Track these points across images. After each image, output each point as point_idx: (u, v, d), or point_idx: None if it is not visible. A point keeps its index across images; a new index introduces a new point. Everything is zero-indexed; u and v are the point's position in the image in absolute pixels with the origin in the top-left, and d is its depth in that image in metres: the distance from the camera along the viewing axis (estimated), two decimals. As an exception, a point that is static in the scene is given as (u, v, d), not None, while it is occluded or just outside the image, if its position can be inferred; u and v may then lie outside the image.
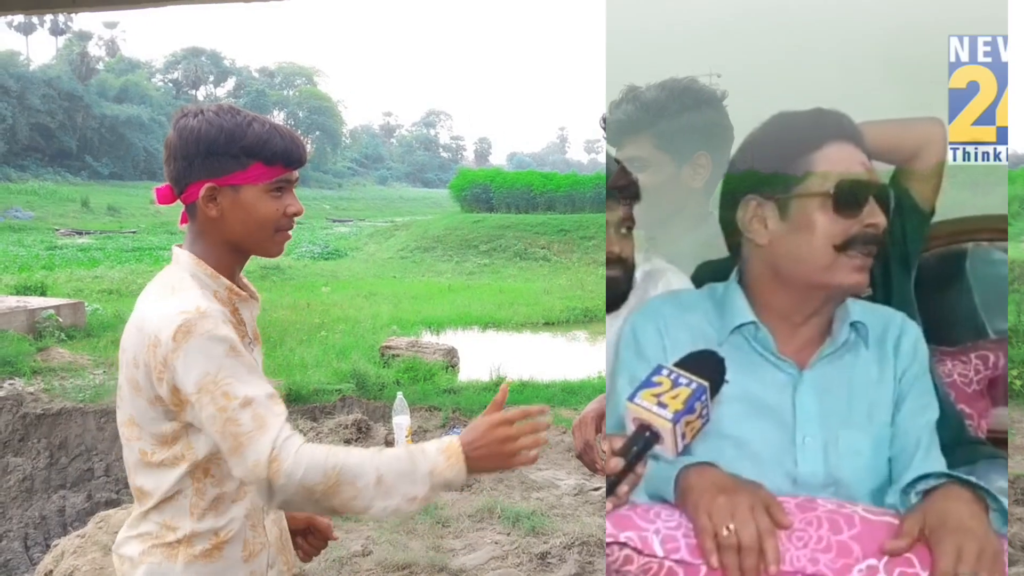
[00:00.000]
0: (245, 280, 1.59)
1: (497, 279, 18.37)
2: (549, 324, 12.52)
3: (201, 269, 1.46)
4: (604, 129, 1.68)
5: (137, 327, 1.42)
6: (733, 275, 1.72)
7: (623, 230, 1.71)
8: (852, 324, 1.68)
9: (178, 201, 1.51)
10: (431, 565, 3.64)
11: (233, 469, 1.35)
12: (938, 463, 1.65)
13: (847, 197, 1.59)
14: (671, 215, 1.68)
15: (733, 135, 1.63)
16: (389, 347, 8.49)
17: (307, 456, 1.31)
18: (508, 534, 4.05)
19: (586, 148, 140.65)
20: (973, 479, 1.57)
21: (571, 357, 9.85)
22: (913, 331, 1.71)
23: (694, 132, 1.59)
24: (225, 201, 1.45)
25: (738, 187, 1.67)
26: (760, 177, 1.64)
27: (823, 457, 1.67)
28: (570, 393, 6.94)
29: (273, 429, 1.32)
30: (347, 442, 5.51)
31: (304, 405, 6.51)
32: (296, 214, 1.51)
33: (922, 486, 1.60)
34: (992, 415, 1.92)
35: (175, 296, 1.40)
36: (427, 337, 10.82)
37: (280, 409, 1.37)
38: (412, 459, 1.37)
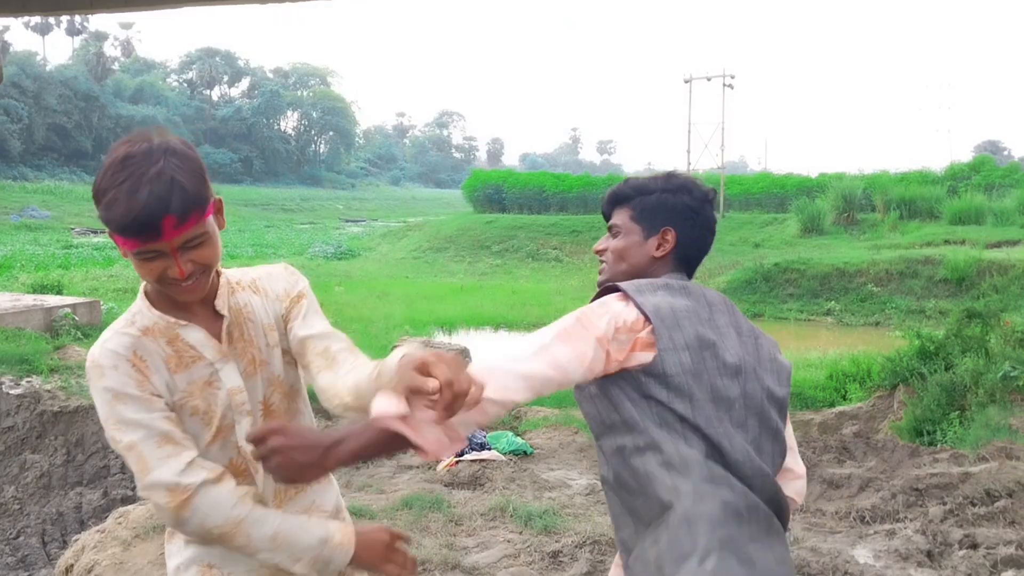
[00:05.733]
0: (220, 298, 1.53)
1: (509, 279, 18.41)
2: (561, 325, 12.52)
3: (144, 304, 1.51)
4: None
5: None
6: None
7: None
8: None
9: None
10: (444, 563, 3.66)
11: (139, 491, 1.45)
12: None
13: None
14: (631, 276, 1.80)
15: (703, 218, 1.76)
16: (402, 347, 8.54)
17: (212, 500, 1.41)
18: (520, 533, 4.07)
19: (598, 149, 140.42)
20: None
21: (583, 358, 9.84)
22: None
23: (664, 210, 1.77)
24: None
25: None
26: None
27: None
28: (582, 393, 6.93)
29: (158, 469, 1.40)
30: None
31: (319, 404, 6.55)
32: (173, 280, 1.40)
33: None
34: None
35: (107, 331, 1.49)
36: (439, 337, 10.87)
37: (168, 450, 1.42)
38: (308, 527, 1.48)
